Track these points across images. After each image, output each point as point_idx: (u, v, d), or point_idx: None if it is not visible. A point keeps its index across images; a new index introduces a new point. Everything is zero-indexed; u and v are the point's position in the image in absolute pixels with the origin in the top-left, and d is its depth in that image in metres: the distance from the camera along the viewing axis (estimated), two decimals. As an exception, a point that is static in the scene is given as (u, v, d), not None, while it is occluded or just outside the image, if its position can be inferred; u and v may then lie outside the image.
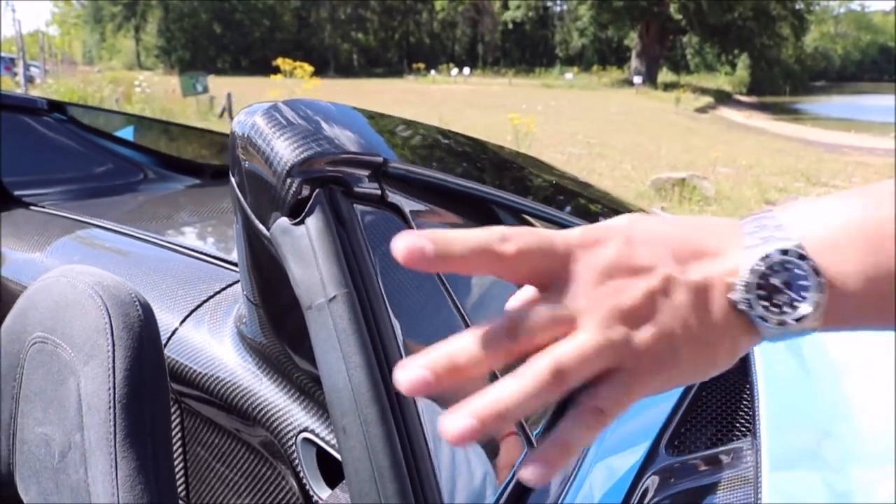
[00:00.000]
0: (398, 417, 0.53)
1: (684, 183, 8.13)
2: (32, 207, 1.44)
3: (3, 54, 32.31)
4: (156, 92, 15.66)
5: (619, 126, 18.78)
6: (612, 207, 1.38)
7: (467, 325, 0.67)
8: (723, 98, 43.51)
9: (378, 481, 0.50)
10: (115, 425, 0.65)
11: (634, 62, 46.78)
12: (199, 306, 0.98)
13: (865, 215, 0.43)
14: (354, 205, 0.61)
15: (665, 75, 51.13)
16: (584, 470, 0.73)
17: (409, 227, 0.66)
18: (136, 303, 0.74)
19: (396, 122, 0.88)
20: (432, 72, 47.21)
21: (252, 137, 0.61)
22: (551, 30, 64.64)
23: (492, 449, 0.64)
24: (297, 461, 0.81)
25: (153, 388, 0.70)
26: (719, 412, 0.90)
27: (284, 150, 0.59)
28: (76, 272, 0.77)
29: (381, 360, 0.54)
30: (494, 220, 0.81)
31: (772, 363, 1.05)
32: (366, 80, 45.75)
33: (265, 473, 0.88)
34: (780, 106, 42.56)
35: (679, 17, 42.81)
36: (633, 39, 49.04)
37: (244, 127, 0.63)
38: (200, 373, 0.91)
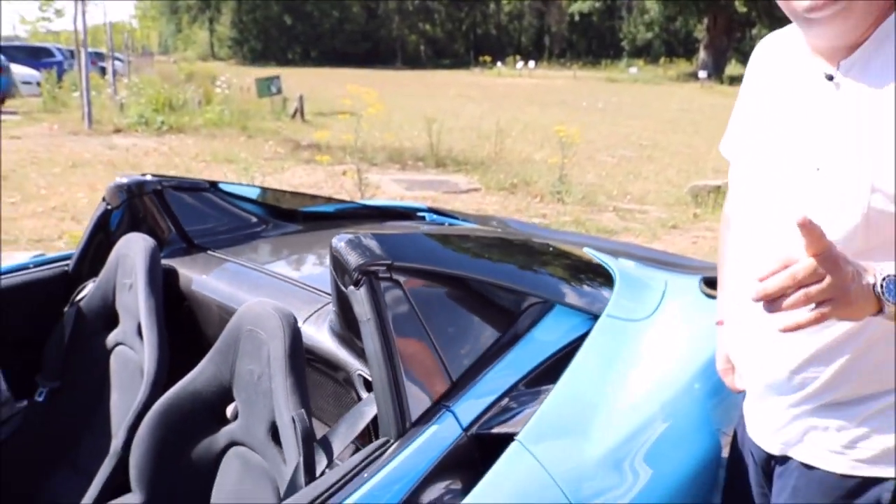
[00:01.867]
0: (396, 365, 1.32)
1: (719, 190, 8.67)
2: (209, 252, 2.30)
3: (89, 49, 33.88)
4: (233, 93, 16.66)
5: (675, 125, 19.12)
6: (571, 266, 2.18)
7: (432, 338, 1.46)
8: (791, 92, 43.04)
9: (382, 390, 1.30)
10: (286, 367, 1.45)
11: (702, 55, 46.39)
12: (311, 314, 1.80)
13: None
14: (381, 282, 1.41)
15: (734, 68, 50.51)
16: None
17: (405, 293, 1.45)
18: (292, 316, 1.55)
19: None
20: (498, 64, 47.51)
21: (339, 248, 1.41)
22: (618, 21, 64.29)
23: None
24: (357, 385, 1.61)
25: (299, 352, 1.50)
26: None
27: (351, 258, 1.39)
28: (265, 301, 1.60)
29: (390, 344, 1.33)
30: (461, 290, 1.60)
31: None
32: (432, 72, 46.33)
33: (342, 393, 1.69)
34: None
35: (745, 9, 42.28)
36: (701, 31, 48.55)
37: (337, 241, 1.42)
38: (315, 347, 1.72)
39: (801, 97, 1.30)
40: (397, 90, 26.54)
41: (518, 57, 48.75)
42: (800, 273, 1.02)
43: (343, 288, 1.42)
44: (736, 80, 38.88)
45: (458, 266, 1.68)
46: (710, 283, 2.23)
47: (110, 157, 9.88)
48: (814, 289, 1.03)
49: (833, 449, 1.33)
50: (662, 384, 1.70)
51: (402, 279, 1.46)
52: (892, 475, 1.30)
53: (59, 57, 25.14)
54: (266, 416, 1.48)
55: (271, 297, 1.77)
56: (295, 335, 1.48)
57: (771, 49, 1.44)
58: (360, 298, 1.37)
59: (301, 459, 1.31)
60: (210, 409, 1.61)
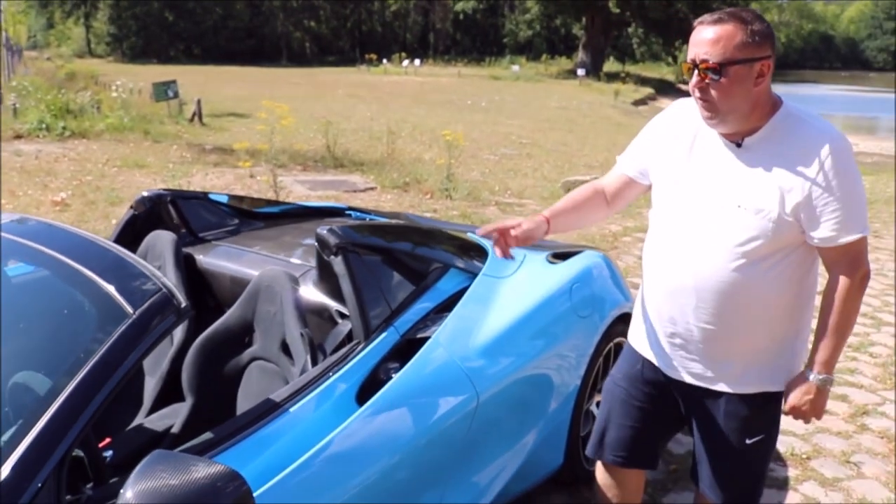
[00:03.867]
0: (362, 300, 2.32)
1: (587, 185, 9.91)
2: (212, 241, 3.22)
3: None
4: (130, 98, 17.02)
5: (553, 123, 20.54)
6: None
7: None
8: (664, 88, 45.54)
9: (354, 315, 2.31)
10: (293, 305, 2.38)
11: (580, 54, 48.42)
12: (300, 276, 2.72)
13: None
14: (349, 254, 2.39)
15: (611, 65, 52.86)
16: None
17: (361, 260, 2.44)
18: (294, 276, 2.49)
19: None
20: (384, 61, 48.26)
21: (323, 234, 2.39)
22: (501, 19, 66.23)
23: None
24: (335, 316, 2.59)
25: (300, 297, 2.42)
26: None
27: (331, 239, 2.37)
28: (275, 269, 2.53)
29: (358, 289, 2.33)
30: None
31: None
32: (318, 70, 46.59)
33: (322, 322, 2.64)
34: (716, 95, 44.57)
35: (618, 10, 44.47)
36: (580, 29, 50.56)
37: (321, 230, 2.39)
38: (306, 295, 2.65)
39: (715, 154, 2.02)
40: (287, 91, 27.05)
41: (404, 54, 49.55)
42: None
43: (326, 258, 2.40)
44: (614, 77, 40.63)
45: (390, 244, 2.69)
46: (556, 255, 3.33)
47: (22, 164, 10.32)
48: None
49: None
50: (517, 309, 2.78)
51: (359, 252, 2.45)
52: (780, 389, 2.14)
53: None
54: (279, 337, 2.42)
55: (263, 267, 2.72)
56: (295, 286, 2.44)
57: (686, 112, 2.12)
58: (339, 263, 2.35)
59: (308, 356, 2.27)
60: (237, 338, 2.55)
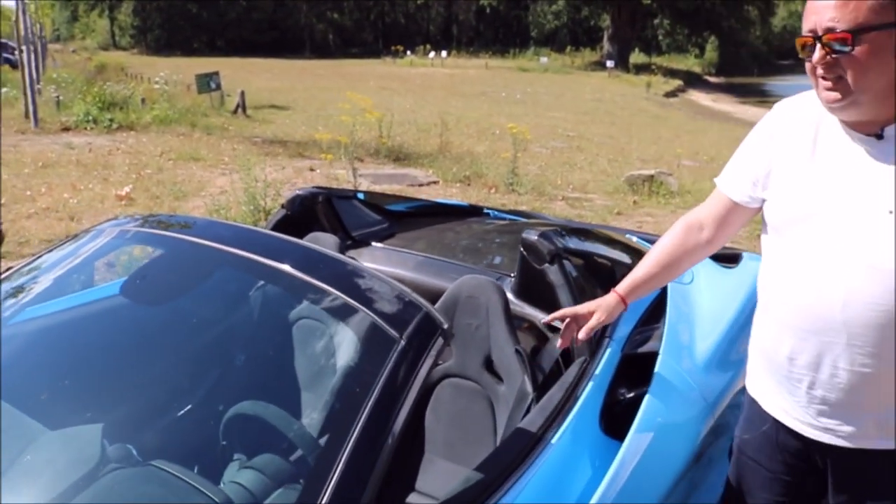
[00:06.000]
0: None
1: (653, 179, 9.67)
2: (372, 244, 3.00)
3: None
4: (173, 89, 16.89)
5: (593, 116, 20.30)
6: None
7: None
8: (692, 80, 45.16)
9: None
10: (503, 318, 2.15)
11: (607, 45, 48.08)
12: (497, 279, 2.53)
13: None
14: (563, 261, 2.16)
15: (637, 56, 52.44)
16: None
17: (574, 266, 2.22)
18: (500, 285, 2.25)
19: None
20: (409, 53, 48.11)
21: (533, 240, 2.16)
22: (525, 10, 65.78)
23: None
24: (544, 330, 2.38)
25: (509, 309, 2.19)
26: None
27: (542, 246, 2.14)
28: (477, 276, 2.29)
29: (577, 300, 2.09)
30: None
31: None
32: (343, 61, 46.47)
33: (523, 335, 2.44)
34: (746, 87, 44.20)
35: (648, 1, 44.09)
36: (605, 20, 50.19)
37: (529, 235, 2.17)
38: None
39: (847, 151, 1.57)
40: (317, 82, 26.91)
41: (428, 46, 49.39)
42: None
43: (537, 266, 2.17)
44: (642, 69, 40.36)
45: (588, 249, 2.47)
46: (714, 258, 3.11)
47: (77, 157, 10.18)
48: None
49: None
50: (723, 317, 2.55)
51: (570, 258, 2.23)
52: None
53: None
54: (482, 354, 2.21)
55: (441, 275, 2.50)
56: (505, 297, 2.21)
57: (796, 111, 1.69)
58: (554, 272, 2.13)
59: (526, 376, 2.05)
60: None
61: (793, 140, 1.66)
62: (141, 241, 2.05)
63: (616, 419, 1.94)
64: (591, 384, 1.97)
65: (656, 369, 2.09)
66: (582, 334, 1.85)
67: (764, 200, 1.74)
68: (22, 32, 13.62)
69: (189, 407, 1.58)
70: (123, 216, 2.35)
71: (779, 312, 1.70)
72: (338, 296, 1.61)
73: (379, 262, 2.82)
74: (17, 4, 13.89)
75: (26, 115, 13.10)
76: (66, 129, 12.66)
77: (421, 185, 9.39)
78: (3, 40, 30.90)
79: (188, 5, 59.68)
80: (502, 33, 67.22)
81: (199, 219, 2.16)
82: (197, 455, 1.56)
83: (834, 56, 1.46)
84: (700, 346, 2.36)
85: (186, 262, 1.86)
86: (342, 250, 2.69)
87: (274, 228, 2.88)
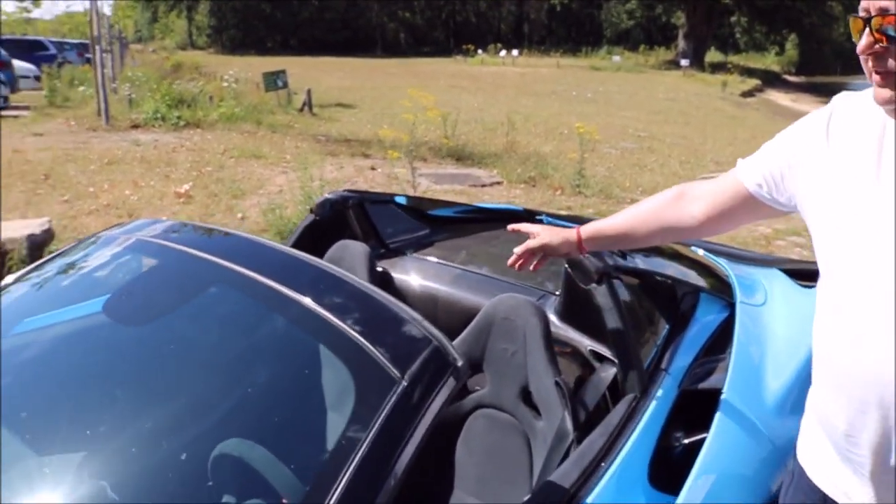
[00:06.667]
0: (630, 341, 1.81)
1: (727, 182, 9.21)
2: (407, 254, 2.76)
3: (70, 40, 33.89)
4: (240, 87, 16.98)
5: (666, 115, 19.69)
6: None
7: None
8: (770, 79, 43.78)
9: (626, 359, 1.80)
10: (543, 345, 1.90)
11: (681, 43, 47.01)
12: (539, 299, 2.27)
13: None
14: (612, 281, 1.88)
15: (713, 55, 51.18)
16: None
17: (624, 287, 1.93)
18: (541, 306, 2.00)
19: None
20: (480, 52, 47.84)
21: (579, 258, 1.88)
22: (598, 9, 64.85)
23: None
24: (589, 358, 2.11)
25: (550, 334, 1.94)
26: None
27: (589, 264, 1.86)
28: (515, 296, 2.04)
29: (626, 325, 1.82)
30: None
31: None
32: (414, 60, 46.46)
33: (566, 362, 2.17)
34: (828, 87, 42.54)
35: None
36: (680, 18, 49.11)
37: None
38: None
39: None
40: (386, 81, 26.86)
41: (499, 45, 49.07)
42: None
43: (584, 285, 1.90)
44: (718, 68, 39.41)
45: (642, 265, 2.17)
46: (793, 274, 2.76)
47: (142, 154, 10.23)
48: None
49: None
50: (802, 349, 2.21)
51: (620, 278, 1.94)
52: None
53: (52, 50, 25.28)
54: (518, 384, 1.95)
55: (480, 291, 2.24)
56: (546, 321, 1.95)
57: (859, 108, 1.33)
58: (602, 293, 1.85)
59: (567, 413, 1.78)
60: (459, 381, 2.09)
61: (853, 150, 1.29)
62: (140, 250, 1.86)
63: (668, 469, 1.65)
64: (640, 426, 1.69)
65: (719, 410, 1.80)
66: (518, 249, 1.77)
67: (780, 203, 1.43)
68: (95, 33, 13.84)
69: (164, 444, 1.37)
70: (141, 220, 2.16)
71: (830, 372, 1.33)
72: (335, 324, 1.37)
73: (412, 274, 2.58)
74: (90, 7, 14.07)
75: (98, 113, 13.29)
76: (135, 127, 12.79)
77: (483, 185, 9.12)
78: (86, 41, 31.82)
79: (262, 5, 60.51)
80: (574, 32, 66.35)
81: (203, 228, 1.95)
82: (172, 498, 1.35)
83: (885, 46, 1.14)
84: (773, 383, 2.03)
85: (176, 278, 1.66)
86: (373, 261, 2.45)
87: (302, 234, 2.67)
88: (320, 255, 2.59)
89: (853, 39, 1.20)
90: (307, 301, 1.42)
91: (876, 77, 1.18)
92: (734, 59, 51.02)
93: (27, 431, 1.44)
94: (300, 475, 1.29)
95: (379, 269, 2.55)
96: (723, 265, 2.66)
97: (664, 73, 38.53)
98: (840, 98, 1.39)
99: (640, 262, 2.23)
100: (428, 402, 1.24)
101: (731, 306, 2.32)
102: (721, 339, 2.11)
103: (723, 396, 1.85)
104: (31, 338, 1.71)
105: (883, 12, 1.12)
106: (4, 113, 15.06)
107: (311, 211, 2.66)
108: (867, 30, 1.15)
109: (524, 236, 1.81)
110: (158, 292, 1.69)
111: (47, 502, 1.29)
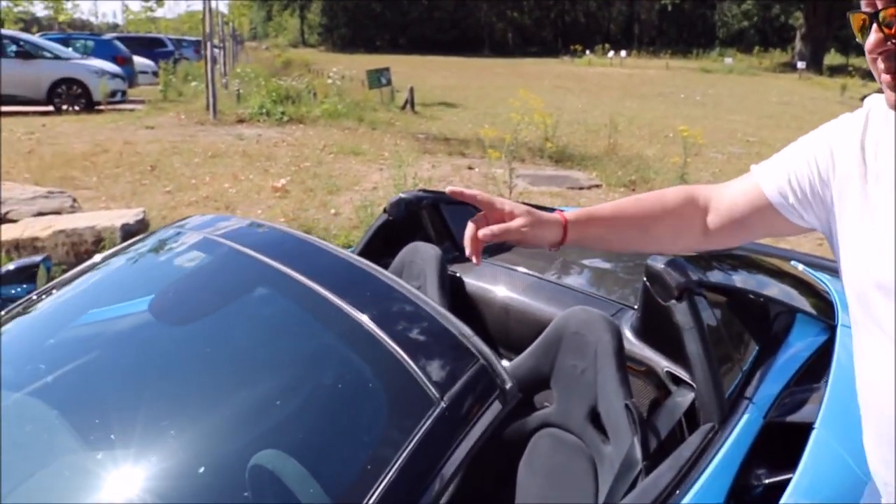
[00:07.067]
0: (713, 364, 1.64)
1: (840, 192, 8.73)
2: (484, 258, 2.66)
3: (188, 37, 35.28)
4: (345, 85, 17.20)
5: (778, 120, 18.90)
6: None
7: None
8: (894, 83, 41.71)
9: (706, 384, 1.63)
10: (615, 364, 1.75)
11: (799, 45, 45.25)
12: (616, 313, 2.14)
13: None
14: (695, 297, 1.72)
15: (832, 57, 49.09)
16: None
17: (708, 305, 1.76)
18: (615, 322, 1.84)
19: None
20: (587, 52, 47.25)
21: (659, 269, 1.73)
22: (711, 9, 63.09)
23: None
24: (665, 380, 1.95)
25: (623, 352, 1.77)
26: None
27: (670, 278, 1.70)
28: (588, 309, 1.91)
29: (708, 347, 1.66)
30: None
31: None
32: (521, 60, 46.31)
33: (640, 384, 2.02)
34: (957, 92, 40.22)
35: (850, -2, 41.05)
36: (798, 19, 47.28)
37: (655, 263, 1.74)
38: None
39: None
40: (492, 81, 26.79)
41: (607, 45, 48.38)
42: None
43: (662, 301, 1.74)
44: (837, 71, 37.82)
45: (730, 280, 1.99)
46: None
47: (244, 148, 10.45)
48: None
49: None
50: None
51: (704, 294, 1.78)
52: None
53: (170, 47, 26.32)
54: (587, 404, 1.81)
55: (554, 301, 2.10)
56: (619, 338, 1.80)
57: (885, 118, 1.15)
58: (682, 310, 1.69)
59: (636, 439, 1.63)
60: (525, 395, 1.96)
61: (888, 169, 1.10)
62: (205, 249, 1.81)
63: None
64: (717, 461, 1.53)
65: (809, 446, 1.62)
66: (480, 233, 1.29)
67: (803, 219, 1.26)
68: (207, 30, 14.25)
69: (195, 451, 1.30)
70: (199, 215, 2.14)
71: (876, 423, 1.15)
72: (376, 336, 1.27)
73: (484, 280, 2.46)
74: (203, 5, 14.50)
75: (207, 108, 13.69)
76: (241, 121, 13.11)
77: (582, 188, 8.91)
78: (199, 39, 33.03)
79: (372, 5, 61.48)
80: (686, 33, 64.72)
81: (261, 226, 1.88)
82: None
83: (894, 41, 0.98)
84: None
85: (223, 279, 1.59)
86: (444, 265, 2.35)
87: (375, 234, 2.58)
88: (392, 256, 2.50)
89: (858, 40, 1.05)
90: (351, 310, 1.34)
91: (886, 78, 1.01)
92: (856, 61, 48.68)
93: (73, 426, 1.41)
94: (329, 492, 1.20)
95: (451, 273, 2.45)
96: (825, 282, 2.45)
97: (778, 76, 37.14)
98: (873, 102, 1.18)
99: (727, 277, 2.05)
100: (468, 426, 1.13)
101: (832, 329, 2.11)
102: (817, 367, 1.92)
103: (814, 431, 1.66)
104: (84, 331, 1.69)
105: (893, 2, 0.97)
106: (121, 106, 15.71)
107: (385, 210, 2.58)
108: (874, 25, 0.99)
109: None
110: (204, 293, 1.64)
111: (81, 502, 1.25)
